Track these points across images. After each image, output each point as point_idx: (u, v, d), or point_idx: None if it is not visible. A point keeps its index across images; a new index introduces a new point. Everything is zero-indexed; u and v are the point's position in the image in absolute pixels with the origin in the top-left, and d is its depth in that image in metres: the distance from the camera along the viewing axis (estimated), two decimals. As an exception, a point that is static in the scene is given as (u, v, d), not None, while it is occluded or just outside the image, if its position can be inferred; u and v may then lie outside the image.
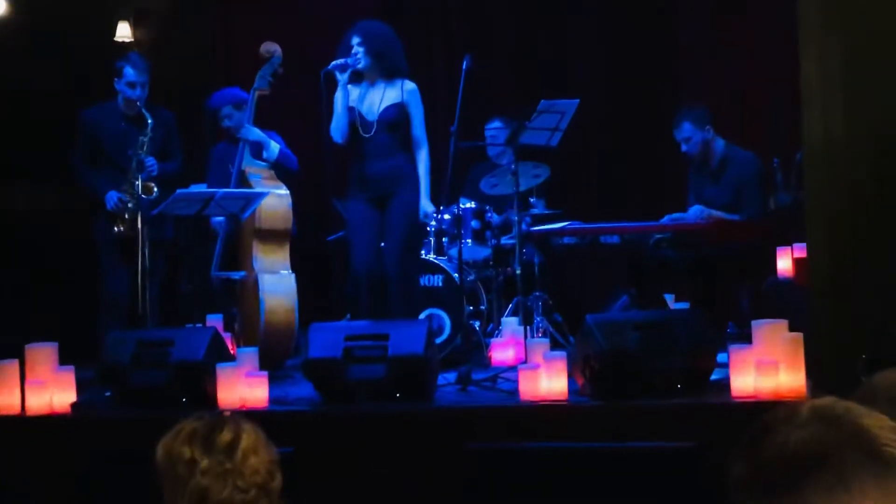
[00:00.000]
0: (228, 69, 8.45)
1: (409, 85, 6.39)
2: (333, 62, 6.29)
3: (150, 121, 6.48)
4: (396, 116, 6.34)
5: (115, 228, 6.58)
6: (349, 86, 6.37)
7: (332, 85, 6.33)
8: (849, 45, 5.01)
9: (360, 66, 6.31)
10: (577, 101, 6.47)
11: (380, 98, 6.34)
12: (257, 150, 6.75)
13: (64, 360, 5.68)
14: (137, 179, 6.42)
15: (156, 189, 6.47)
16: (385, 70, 6.36)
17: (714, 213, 6.40)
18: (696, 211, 6.44)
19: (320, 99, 6.27)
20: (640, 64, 8.32)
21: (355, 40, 6.32)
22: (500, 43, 8.49)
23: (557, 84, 7.88)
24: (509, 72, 8.50)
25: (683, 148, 6.59)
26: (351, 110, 6.34)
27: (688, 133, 6.55)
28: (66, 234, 7.61)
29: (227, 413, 2.94)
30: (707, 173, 6.58)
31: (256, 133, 6.72)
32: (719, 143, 6.63)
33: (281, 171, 6.82)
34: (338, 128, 6.35)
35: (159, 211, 6.22)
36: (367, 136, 6.31)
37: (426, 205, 6.39)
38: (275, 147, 6.78)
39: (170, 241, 6.92)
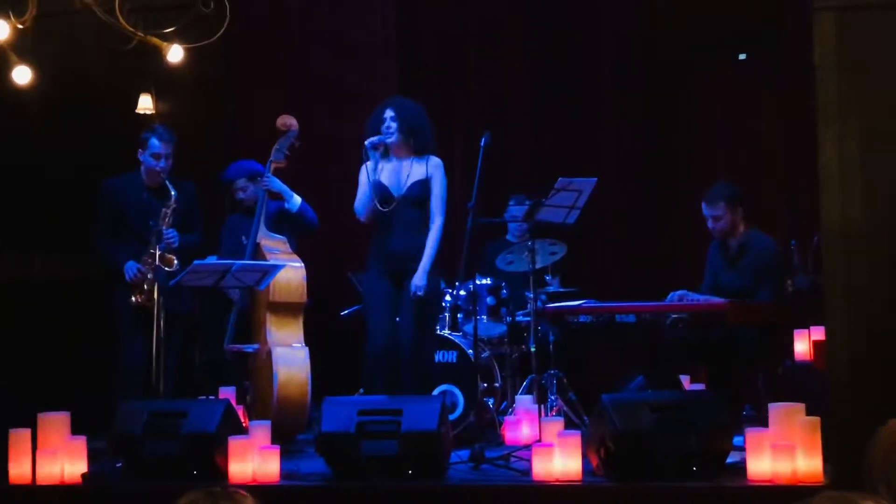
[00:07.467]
0: (249, 142, 8.49)
1: (435, 160, 6.38)
2: (371, 138, 6.30)
3: (173, 192, 6.48)
4: (421, 192, 6.33)
5: (133, 298, 6.57)
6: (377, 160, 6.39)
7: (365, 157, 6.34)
8: (867, 129, 5.04)
9: (390, 140, 6.32)
10: (595, 179, 6.47)
11: (407, 174, 6.34)
12: (276, 208, 6.79)
13: (77, 430, 5.66)
14: (156, 250, 6.41)
15: (176, 261, 6.45)
16: (415, 146, 6.37)
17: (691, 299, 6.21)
18: (672, 296, 6.28)
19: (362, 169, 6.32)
20: (656, 145, 8.35)
21: (388, 114, 6.34)
22: (518, 121, 8.54)
23: (575, 163, 7.91)
24: (527, 149, 8.54)
25: (710, 224, 6.42)
26: (378, 185, 6.34)
27: (720, 212, 6.36)
28: (79, 304, 7.62)
29: (228, 487, 2.87)
30: (725, 256, 6.50)
31: (279, 183, 6.77)
32: (741, 227, 6.49)
33: (299, 226, 6.84)
34: (363, 205, 6.37)
35: (176, 282, 6.21)
36: (391, 210, 6.30)
37: (419, 278, 6.19)
38: (297, 199, 6.82)
39: (187, 313, 6.89)
